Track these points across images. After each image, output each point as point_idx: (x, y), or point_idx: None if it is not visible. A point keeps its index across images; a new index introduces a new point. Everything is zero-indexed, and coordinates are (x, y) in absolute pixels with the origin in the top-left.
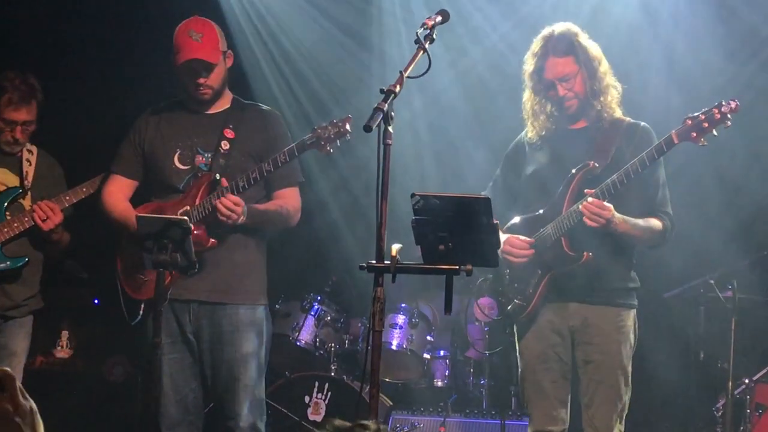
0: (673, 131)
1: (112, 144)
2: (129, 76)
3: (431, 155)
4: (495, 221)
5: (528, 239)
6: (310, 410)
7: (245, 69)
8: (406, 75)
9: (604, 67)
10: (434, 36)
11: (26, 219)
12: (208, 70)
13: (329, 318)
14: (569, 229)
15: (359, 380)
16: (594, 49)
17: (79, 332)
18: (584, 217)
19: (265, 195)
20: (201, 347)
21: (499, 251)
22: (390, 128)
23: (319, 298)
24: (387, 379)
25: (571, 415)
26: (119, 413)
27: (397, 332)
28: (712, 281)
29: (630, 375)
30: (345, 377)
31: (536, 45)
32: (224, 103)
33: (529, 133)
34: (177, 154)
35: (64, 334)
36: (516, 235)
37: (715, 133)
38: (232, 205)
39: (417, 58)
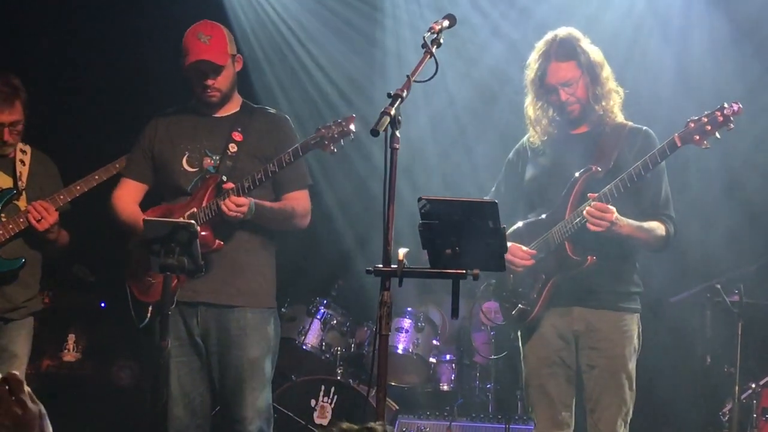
0: (676, 134)
1: (109, 143)
2: (128, 76)
3: (432, 159)
4: (502, 226)
5: (530, 251)
6: (316, 414)
7: (249, 72)
8: (413, 79)
9: (606, 71)
10: (441, 40)
11: (21, 220)
12: (215, 72)
13: (335, 322)
14: (573, 234)
15: (365, 384)
16: (596, 53)
17: (86, 336)
18: (587, 222)
19: (274, 199)
20: (209, 350)
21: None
22: (397, 132)
23: (325, 301)
24: (393, 383)
25: (576, 420)
26: (126, 416)
27: (403, 336)
28: (718, 286)
29: (634, 379)
30: (351, 381)
31: (538, 50)
32: (233, 107)
33: (531, 137)
34: (185, 157)
35: (71, 337)
36: (518, 245)
37: (718, 135)
38: (235, 207)
39: (424, 62)
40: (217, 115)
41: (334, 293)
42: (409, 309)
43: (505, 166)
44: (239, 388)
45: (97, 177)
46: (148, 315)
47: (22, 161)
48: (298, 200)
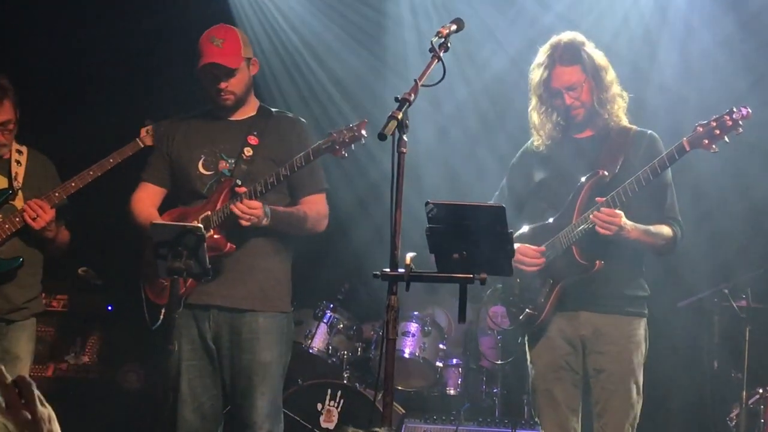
0: (685, 139)
1: (105, 142)
2: (127, 75)
3: (436, 164)
4: (510, 230)
5: (539, 248)
6: (322, 418)
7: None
8: (420, 83)
9: (611, 75)
10: (449, 44)
11: (17, 219)
12: (228, 76)
13: (342, 325)
14: (580, 238)
15: (372, 388)
16: (600, 58)
17: (93, 339)
18: (596, 226)
19: (290, 203)
20: (221, 354)
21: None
22: (404, 137)
23: (331, 305)
24: (399, 387)
25: (582, 425)
26: (134, 420)
27: (409, 340)
28: (726, 290)
29: (641, 384)
30: (357, 385)
31: (543, 54)
32: (249, 110)
33: (536, 142)
34: (201, 161)
35: (78, 340)
36: (527, 245)
37: (726, 139)
38: (247, 209)
39: (432, 66)
40: (233, 118)
41: (340, 297)
42: (415, 313)
43: (509, 170)
44: (249, 393)
45: (91, 173)
46: (161, 317)
47: (18, 161)
48: (315, 204)
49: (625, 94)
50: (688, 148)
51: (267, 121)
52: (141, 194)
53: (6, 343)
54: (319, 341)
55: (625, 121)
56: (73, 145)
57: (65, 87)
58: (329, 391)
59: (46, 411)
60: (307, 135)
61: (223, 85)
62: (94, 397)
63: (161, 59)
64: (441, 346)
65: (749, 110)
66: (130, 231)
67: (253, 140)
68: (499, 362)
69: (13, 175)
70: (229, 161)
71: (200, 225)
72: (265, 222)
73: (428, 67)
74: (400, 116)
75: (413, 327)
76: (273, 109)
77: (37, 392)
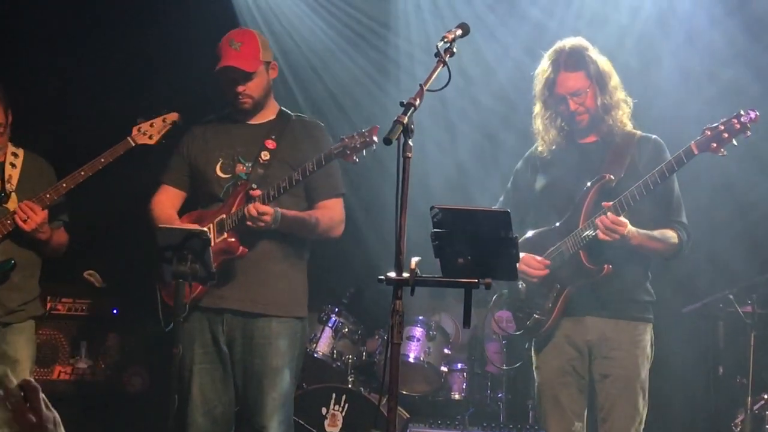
0: (693, 142)
1: (100, 141)
2: (121, 76)
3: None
4: (515, 235)
5: (544, 260)
6: (327, 422)
7: None
8: (426, 88)
9: (615, 81)
10: (454, 49)
11: (9, 222)
12: (245, 79)
13: (347, 330)
14: (587, 243)
15: (376, 392)
16: (604, 63)
17: (98, 342)
18: (598, 231)
19: (307, 207)
20: (233, 358)
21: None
22: (410, 141)
23: (336, 309)
24: (404, 392)
25: (587, 430)
26: (139, 423)
27: (414, 345)
28: (731, 296)
29: (647, 389)
30: (362, 389)
31: (547, 60)
32: (269, 114)
33: (540, 147)
34: (219, 164)
35: (83, 344)
36: (533, 255)
37: (735, 143)
38: (256, 214)
39: (437, 71)
40: (252, 122)
41: (345, 301)
42: (420, 317)
43: (514, 175)
44: (260, 397)
45: (83, 173)
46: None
47: (12, 164)
48: (330, 209)
49: (629, 99)
50: (696, 152)
51: (285, 125)
52: (160, 197)
53: (4, 346)
54: (323, 345)
55: (629, 127)
56: (64, 144)
57: (56, 85)
58: (334, 395)
59: (52, 415)
60: (324, 139)
61: (240, 88)
62: (99, 401)
63: (154, 57)
64: (446, 350)
65: (757, 113)
66: (136, 234)
67: (270, 144)
68: (505, 368)
69: (7, 177)
70: (247, 165)
71: (205, 229)
72: (273, 226)
73: (433, 71)
74: (405, 121)
75: (418, 331)
76: (293, 113)
77: (42, 396)
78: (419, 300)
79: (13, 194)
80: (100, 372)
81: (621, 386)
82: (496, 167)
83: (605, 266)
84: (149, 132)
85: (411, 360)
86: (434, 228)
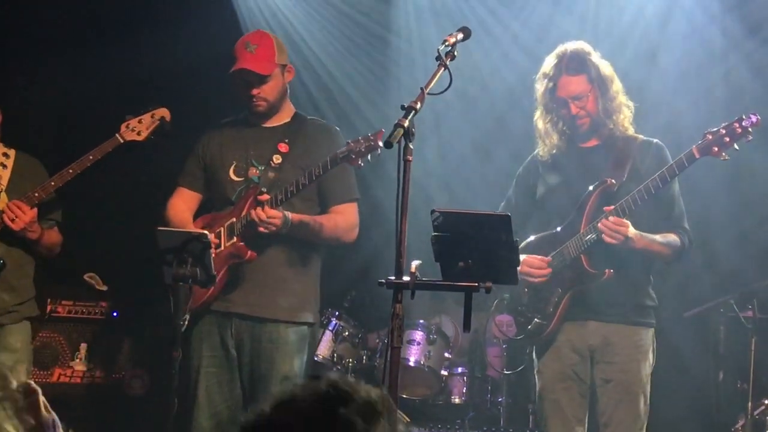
0: (694, 146)
1: (91, 139)
2: (112, 74)
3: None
4: (515, 239)
5: (545, 258)
6: None
7: None
8: (426, 91)
9: (617, 85)
10: (455, 53)
11: None
12: (260, 82)
13: (347, 333)
14: (589, 247)
15: None
16: (606, 67)
17: (98, 345)
18: (603, 235)
19: (320, 211)
20: (241, 362)
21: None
22: (411, 144)
23: (337, 313)
24: (404, 396)
25: None
26: (139, 426)
27: (415, 348)
28: (732, 301)
29: (649, 394)
30: None
31: (549, 63)
32: (283, 117)
33: (541, 151)
34: (233, 167)
35: (83, 346)
36: (532, 255)
37: (736, 147)
38: (264, 217)
39: (438, 74)
40: (266, 125)
41: (346, 305)
42: (421, 321)
43: (516, 179)
44: None
45: (71, 171)
46: (185, 322)
47: (3, 164)
48: (344, 214)
49: (631, 103)
50: (697, 156)
51: (299, 129)
52: (176, 199)
53: None
54: (324, 349)
55: (631, 131)
56: (56, 143)
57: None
58: None
59: (51, 417)
60: (338, 143)
61: (255, 91)
62: (98, 403)
63: (145, 53)
64: (446, 354)
65: (759, 117)
66: (138, 237)
67: (283, 147)
68: (506, 372)
69: None
70: (259, 168)
71: (205, 232)
72: (283, 231)
73: (434, 75)
74: (406, 124)
75: (419, 335)
76: (308, 117)
77: (42, 399)
78: (420, 303)
79: (3, 194)
80: (99, 375)
81: (623, 391)
82: (496, 171)
83: (606, 270)
84: (138, 128)
85: (411, 364)
86: (435, 231)
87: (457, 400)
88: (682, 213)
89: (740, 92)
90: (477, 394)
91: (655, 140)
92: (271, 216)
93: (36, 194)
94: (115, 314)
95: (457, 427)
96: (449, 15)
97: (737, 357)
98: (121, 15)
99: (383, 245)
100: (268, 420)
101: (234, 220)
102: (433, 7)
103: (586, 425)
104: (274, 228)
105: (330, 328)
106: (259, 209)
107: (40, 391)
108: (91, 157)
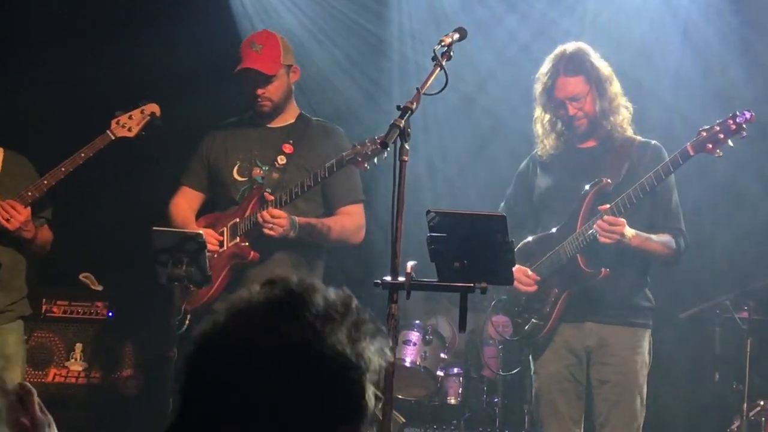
0: (689, 143)
1: (81, 137)
2: (104, 73)
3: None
4: (511, 239)
5: (534, 276)
6: None
7: None
8: (422, 92)
9: (615, 86)
10: (452, 53)
11: None
12: (265, 82)
13: None
14: (585, 247)
15: None
16: (605, 68)
17: (94, 345)
18: (598, 235)
19: (324, 213)
20: None
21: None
22: (407, 145)
23: None
24: (400, 396)
25: None
26: (134, 426)
27: (411, 349)
28: (727, 302)
29: (645, 395)
30: None
31: (547, 64)
32: (288, 118)
33: (540, 151)
34: (237, 167)
35: (78, 346)
36: (524, 269)
37: (730, 143)
38: (270, 219)
39: (434, 75)
40: (271, 125)
41: None
42: (417, 322)
43: (515, 180)
44: None
45: (63, 169)
46: (187, 322)
47: None
48: (350, 215)
49: (630, 105)
50: (692, 153)
51: (304, 130)
52: (179, 198)
53: None
54: None
55: (629, 132)
56: (43, 140)
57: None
58: None
59: (46, 418)
60: (343, 145)
61: (260, 91)
62: (94, 404)
63: (138, 52)
64: (442, 355)
65: (753, 114)
66: (133, 237)
67: (287, 148)
68: (502, 373)
69: None
70: (263, 168)
71: (200, 232)
72: (292, 234)
73: (430, 75)
74: (402, 124)
75: (414, 336)
76: (313, 118)
77: (37, 400)
78: (415, 303)
79: None
80: (95, 375)
81: (619, 392)
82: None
83: (603, 270)
84: (128, 125)
85: (407, 364)
86: (430, 232)
87: (452, 401)
88: (679, 214)
89: (736, 92)
90: (473, 394)
91: (653, 141)
92: (275, 216)
93: (29, 193)
94: (110, 314)
95: (452, 427)
96: (446, 14)
97: (733, 358)
98: (114, 13)
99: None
100: (223, 328)
101: (237, 220)
102: (429, 6)
103: (583, 426)
104: (280, 230)
105: None
106: (264, 211)
107: (35, 391)
108: (83, 155)
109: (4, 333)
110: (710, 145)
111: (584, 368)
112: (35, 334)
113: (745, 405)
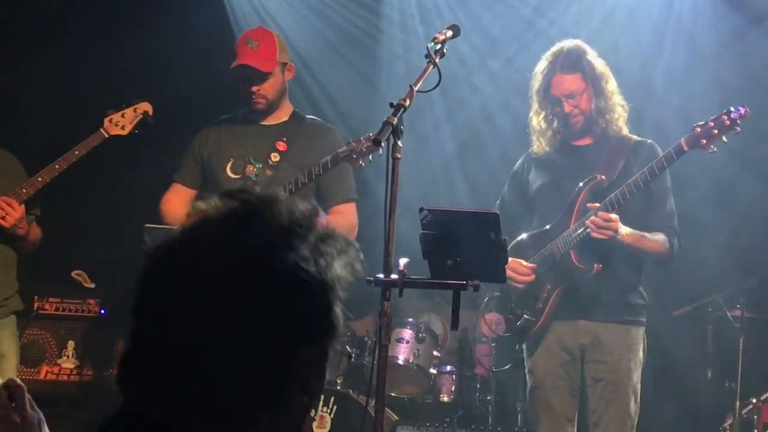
0: (683, 139)
1: (71, 134)
2: (96, 70)
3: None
4: (504, 237)
5: (530, 264)
6: (315, 423)
7: None
8: (416, 89)
9: (612, 85)
10: (445, 51)
11: None
12: (260, 79)
13: None
14: (578, 243)
15: (365, 394)
16: (602, 66)
17: (86, 342)
18: (591, 231)
19: None
20: None
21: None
22: (399, 142)
23: None
24: (393, 394)
25: None
26: None
27: (403, 347)
28: (720, 300)
29: (639, 393)
30: (351, 391)
31: (545, 61)
32: (282, 116)
33: (535, 148)
34: (230, 164)
35: (71, 344)
36: (519, 261)
37: (725, 139)
38: None
39: (427, 72)
40: (264, 123)
41: None
42: (410, 319)
43: (510, 177)
44: None
45: (57, 166)
46: None
47: None
48: (342, 214)
49: (626, 104)
50: (686, 148)
51: (298, 127)
52: (171, 195)
53: None
54: None
55: (625, 131)
56: (35, 137)
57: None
58: (322, 397)
59: (37, 415)
60: (336, 143)
61: (255, 88)
62: (86, 401)
63: (130, 49)
64: (435, 353)
65: (747, 109)
66: (126, 233)
67: (281, 146)
68: (494, 369)
69: None
70: (257, 166)
71: None
72: None
73: (424, 72)
74: (395, 122)
75: (407, 333)
76: (307, 116)
77: (28, 396)
78: (407, 300)
79: None
80: (87, 372)
81: (613, 390)
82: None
83: (596, 265)
84: (121, 122)
85: (400, 362)
86: (423, 229)
87: (445, 399)
88: (673, 213)
89: (733, 92)
90: (466, 392)
91: (649, 140)
92: None
93: (24, 190)
94: (102, 311)
95: (445, 425)
96: (438, 11)
97: (725, 356)
98: (106, 10)
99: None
100: (176, 242)
101: None
102: (421, 4)
103: (576, 424)
104: None
105: None
106: None
107: (26, 388)
108: (77, 152)
109: (1, 327)
110: (704, 141)
111: (578, 366)
112: (27, 332)
113: (737, 403)
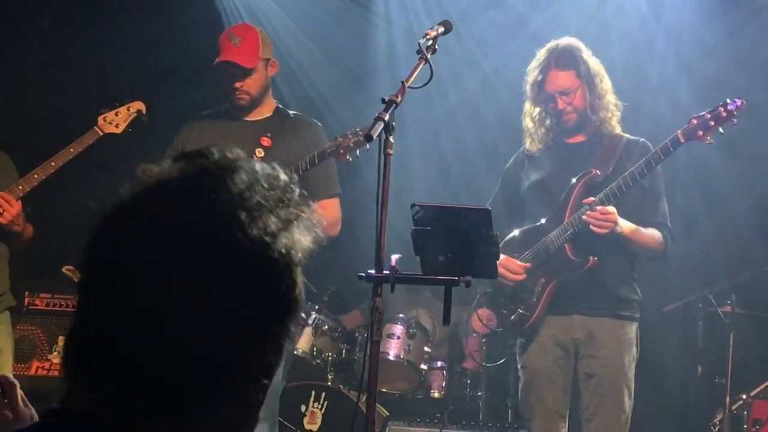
0: (679, 131)
1: (62, 130)
2: (89, 69)
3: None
4: (495, 233)
5: (524, 264)
6: (306, 419)
7: None
8: (408, 85)
9: (606, 83)
10: (436, 47)
11: None
12: (244, 75)
13: (326, 327)
14: (572, 236)
15: (356, 390)
16: (596, 64)
17: None
18: (591, 225)
19: None
20: None
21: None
22: (391, 138)
23: (316, 307)
24: (384, 390)
25: (569, 429)
26: None
27: (394, 342)
28: (710, 296)
29: (633, 388)
30: (342, 387)
31: (539, 57)
32: (265, 111)
33: (528, 145)
34: None
35: (61, 339)
36: (512, 259)
37: (721, 131)
38: None
39: (419, 68)
40: (248, 118)
41: (326, 298)
42: (401, 315)
43: (503, 174)
44: None
45: (53, 164)
46: None
47: None
48: (327, 209)
49: (619, 102)
50: (682, 140)
51: (282, 123)
52: None
53: None
54: (303, 343)
55: (618, 129)
56: (30, 136)
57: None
58: (313, 392)
59: (29, 412)
60: (321, 138)
61: (238, 84)
62: None
63: (123, 47)
64: (426, 348)
65: (744, 101)
66: None
67: (266, 141)
68: (485, 364)
69: None
70: None
71: None
72: None
73: (415, 68)
74: (386, 118)
75: (398, 329)
76: (291, 112)
77: (20, 392)
78: (397, 296)
79: None
80: None
81: (607, 385)
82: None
83: (591, 258)
84: (115, 121)
85: (391, 358)
86: (415, 225)
87: (436, 394)
88: (666, 210)
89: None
90: (456, 388)
91: (641, 139)
92: None
93: (20, 187)
94: None
95: (436, 421)
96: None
97: (715, 352)
98: (100, 9)
99: (364, 238)
100: (126, 209)
101: None
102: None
103: (567, 420)
104: None
105: (309, 322)
106: None
107: (18, 384)
108: (72, 150)
109: None
110: (701, 132)
111: (572, 361)
112: (18, 327)
113: (727, 398)
